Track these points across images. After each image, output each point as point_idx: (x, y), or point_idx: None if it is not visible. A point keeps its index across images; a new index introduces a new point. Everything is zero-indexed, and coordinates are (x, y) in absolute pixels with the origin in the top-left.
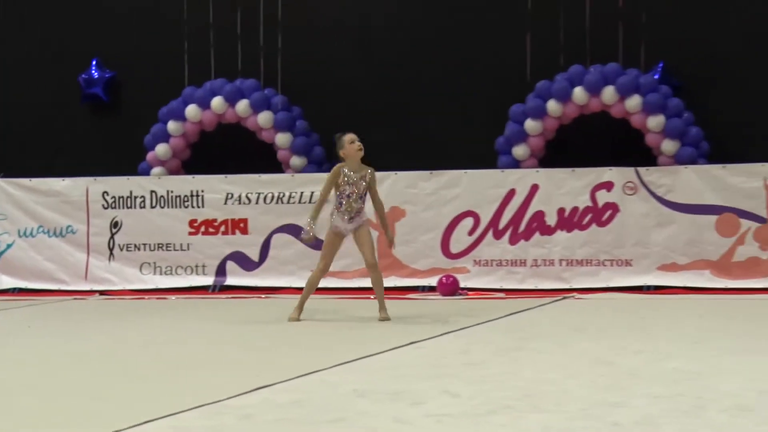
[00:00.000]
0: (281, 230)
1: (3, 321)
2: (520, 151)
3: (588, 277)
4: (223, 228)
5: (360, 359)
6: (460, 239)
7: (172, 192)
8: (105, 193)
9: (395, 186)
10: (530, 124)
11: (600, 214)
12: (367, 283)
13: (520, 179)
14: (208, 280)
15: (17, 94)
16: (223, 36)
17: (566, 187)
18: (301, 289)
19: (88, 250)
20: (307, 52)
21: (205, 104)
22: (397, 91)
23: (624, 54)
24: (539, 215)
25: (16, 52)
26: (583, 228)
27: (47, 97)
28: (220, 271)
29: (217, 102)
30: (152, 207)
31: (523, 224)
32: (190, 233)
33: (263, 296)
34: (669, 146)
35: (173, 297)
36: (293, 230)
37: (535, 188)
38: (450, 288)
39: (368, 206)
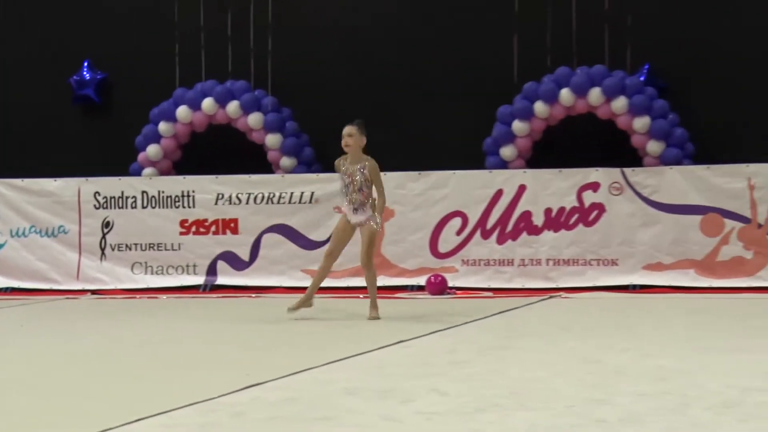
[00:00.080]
0: (271, 230)
1: None
2: (507, 151)
3: (575, 276)
4: (213, 228)
5: (350, 357)
6: (448, 239)
7: (163, 192)
8: (97, 193)
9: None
10: (517, 125)
11: (586, 215)
12: (357, 282)
13: (507, 180)
14: (199, 280)
15: (9, 95)
16: (213, 38)
17: (553, 187)
18: (291, 288)
19: (79, 250)
20: (296, 53)
21: (195, 105)
22: (386, 93)
23: (610, 56)
24: (526, 215)
25: (7, 54)
26: (569, 228)
27: (39, 98)
28: (211, 270)
29: (207, 103)
30: (143, 207)
31: (510, 224)
32: (181, 233)
33: (253, 296)
34: (654, 147)
35: (164, 296)
36: (283, 230)
37: (522, 189)
38: (438, 287)
39: None
